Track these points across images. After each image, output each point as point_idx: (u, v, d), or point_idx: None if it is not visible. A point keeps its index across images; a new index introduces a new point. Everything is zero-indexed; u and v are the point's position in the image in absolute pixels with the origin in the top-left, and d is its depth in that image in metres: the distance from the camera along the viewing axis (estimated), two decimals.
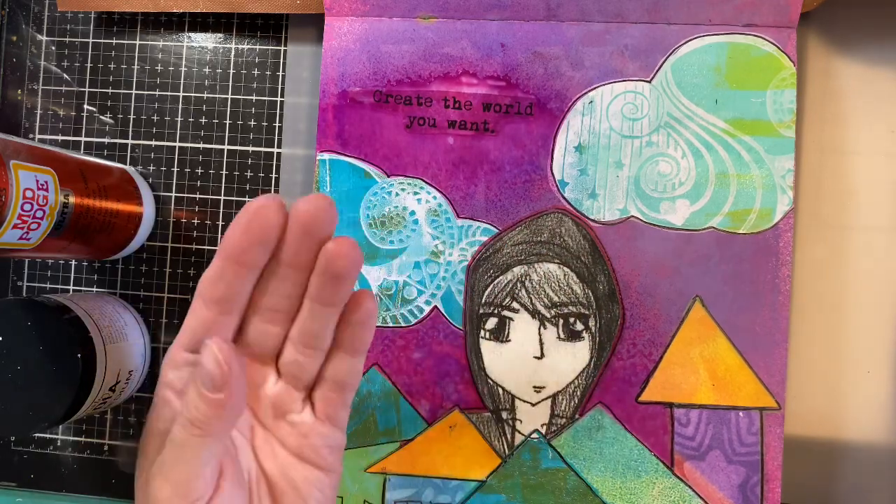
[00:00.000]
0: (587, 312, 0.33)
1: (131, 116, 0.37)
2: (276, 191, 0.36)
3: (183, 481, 0.22)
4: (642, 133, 0.33)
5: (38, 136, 0.37)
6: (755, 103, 0.32)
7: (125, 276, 0.37)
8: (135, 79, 0.37)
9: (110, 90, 0.37)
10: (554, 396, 0.33)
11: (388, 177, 0.33)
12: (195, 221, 0.36)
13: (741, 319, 0.32)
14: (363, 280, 0.33)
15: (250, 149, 0.36)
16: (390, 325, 0.33)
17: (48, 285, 0.37)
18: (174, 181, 0.37)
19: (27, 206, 0.27)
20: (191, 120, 0.36)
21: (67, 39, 0.37)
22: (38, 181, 0.28)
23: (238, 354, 0.22)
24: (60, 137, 0.37)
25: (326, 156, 0.34)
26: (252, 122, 0.36)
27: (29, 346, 0.30)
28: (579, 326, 0.33)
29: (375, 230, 0.33)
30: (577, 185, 0.33)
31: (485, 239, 0.33)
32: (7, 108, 0.37)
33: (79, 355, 0.30)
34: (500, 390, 0.33)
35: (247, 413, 0.25)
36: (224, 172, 0.36)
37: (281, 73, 0.36)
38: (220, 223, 0.36)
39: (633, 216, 0.32)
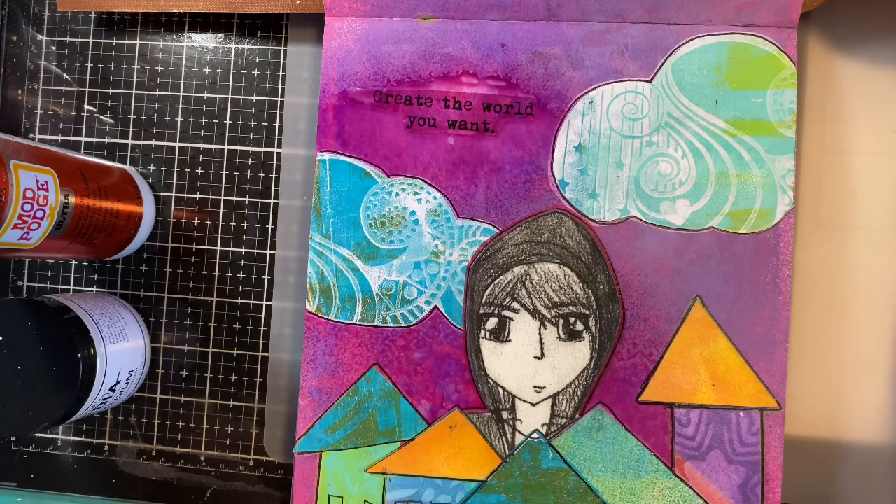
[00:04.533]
0: (587, 312, 0.33)
1: (131, 116, 0.37)
2: (276, 191, 0.36)
3: None
4: (643, 133, 0.33)
5: (38, 136, 0.37)
6: (755, 103, 0.32)
7: (125, 276, 0.37)
8: (135, 79, 0.37)
9: (110, 90, 0.37)
10: (554, 396, 0.33)
11: (389, 177, 0.33)
12: (195, 221, 0.36)
13: (742, 319, 0.32)
14: (364, 280, 0.33)
15: (250, 149, 0.36)
16: (391, 325, 0.33)
17: (48, 285, 0.37)
18: (174, 181, 0.37)
19: (27, 206, 0.27)
20: (191, 120, 0.36)
21: (67, 39, 0.37)
22: (38, 181, 0.28)
23: None
24: (60, 137, 0.37)
25: (326, 156, 0.34)
26: (252, 122, 0.36)
27: (29, 346, 0.30)
28: (579, 326, 0.33)
29: (376, 230, 0.33)
30: (577, 185, 0.33)
31: (485, 239, 0.33)
32: (7, 108, 0.37)
33: (79, 355, 0.30)
34: (501, 390, 0.33)
35: None
36: (224, 172, 0.36)
37: (281, 73, 0.36)
38: (220, 223, 0.36)
39: (633, 216, 0.32)
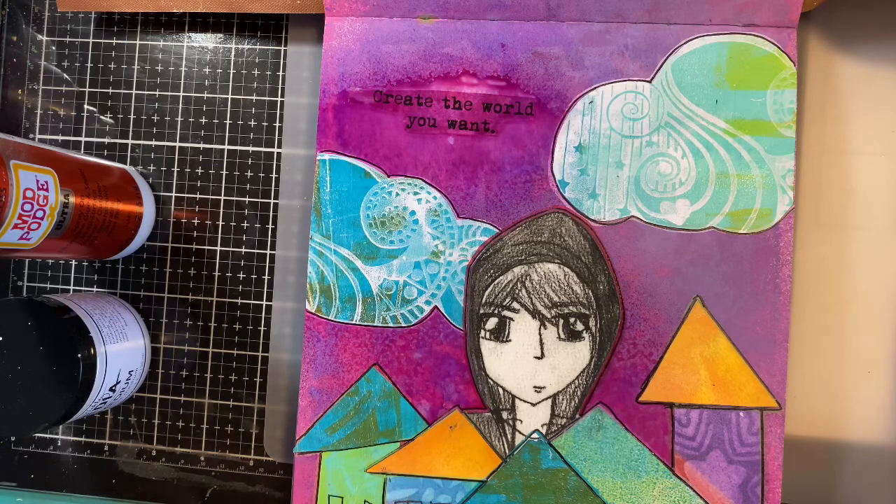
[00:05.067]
0: (587, 312, 0.33)
1: (131, 116, 0.37)
2: (276, 191, 0.36)
3: None
4: (643, 133, 0.33)
5: (38, 136, 0.37)
6: (755, 103, 0.32)
7: (125, 276, 0.37)
8: (135, 79, 0.37)
9: (110, 90, 0.37)
10: (554, 396, 0.33)
11: (389, 177, 0.33)
12: (195, 221, 0.36)
13: (742, 319, 0.32)
14: (364, 280, 0.33)
15: (250, 149, 0.36)
16: (391, 325, 0.33)
17: (48, 285, 0.37)
18: (174, 181, 0.37)
19: (27, 206, 0.27)
20: (191, 120, 0.36)
21: (67, 39, 0.37)
22: (38, 181, 0.28)
23: None
24: (60, 137, 0.37)
25: (326, 156, 0.34)
26: (252, 122, 0.36)
27: (29, 346, 0.30)
28: (580, 326, 0.33)
29: (375, 230, 0.33)
30: (577, 185, 0.33)
31: (485, 239, 0.33)
32: (7, 108, 0.37)
33: (79, 355, 0.30)
34: (501, 390, 0.33)
35: None
36: (224, 172, 0.36)
37: (281, 73, 0.36)
38: (220, 223, 0.36)
39: (633, 216, 0.32)
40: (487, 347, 0.33)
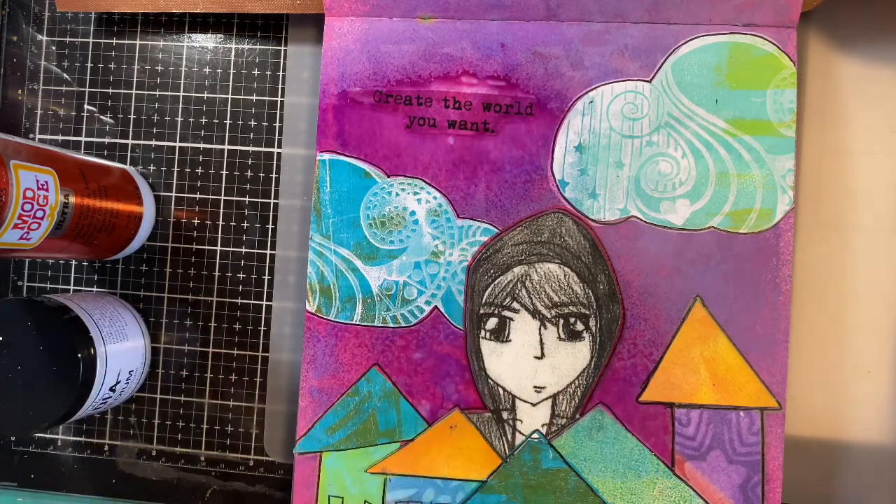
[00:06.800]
0: (588, 312, 0.33)
1: (131, 116, 0.37)
2: (276, 191, 0.36)
3: None
4: (642, 133, 0.33)
5: (38, 136, 0.37)
6: (755, 103, 0.32)
7: (125, 276, 0.37)
8: (135, 79, 0.37)
9: (110, 90, 0.37)
10: (554, 396, 0.33)
11: (388, 177, 0.33)
12: (195, 221, 0.36)
13: (742, 319, 0.32)
14: (364, 280, 0.33)
15: (250, 149, 0.36)
16: (391, 325, 0.33)
17: (48, 285, 0.37)
18: (174, 181, 0.37)
19: (27, 206, 0.27)
20: (191, 120, 0.36)
21: (67, 39, 0.37)
22: (38, 181, 0.28)
23: None
24: (60, 137, 0.37)
25: (326, 156, 0.34)
26: (252, 122, 0.36)
27: (29, 346, 0.30)
28: (580, 326, 0.33)
29: (375, 230, 0.33)
30: (577, 185, 0.33)
31: (485, 239, 0.33)
32: (7, 108, 0.37)
33: (79, 355, 0.30)
34: (501, 390, 0.33)
35: None
36: (224, 172, 0.36)
37: (281, 73, 0.36)
38: (220, 223, 0.36)
39: (633, 216, 0.32)
40: (487, 347, 0.33)
